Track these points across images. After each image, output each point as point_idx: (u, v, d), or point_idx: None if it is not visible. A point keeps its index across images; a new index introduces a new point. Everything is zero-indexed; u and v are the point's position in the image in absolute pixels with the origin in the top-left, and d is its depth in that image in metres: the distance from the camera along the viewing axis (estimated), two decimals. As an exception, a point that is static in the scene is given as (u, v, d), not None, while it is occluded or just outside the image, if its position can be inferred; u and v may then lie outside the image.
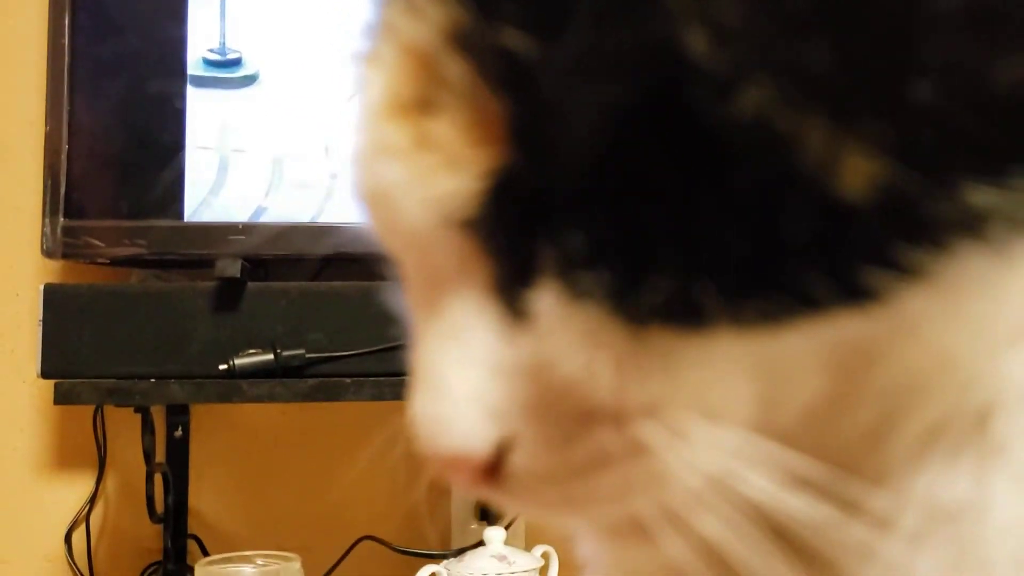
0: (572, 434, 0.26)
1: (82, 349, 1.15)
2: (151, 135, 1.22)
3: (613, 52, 0.24)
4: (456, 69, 0.25)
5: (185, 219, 1.21)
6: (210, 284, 1.17)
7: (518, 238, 0.26)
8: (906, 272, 0.23)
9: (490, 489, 0.28)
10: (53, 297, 1.15)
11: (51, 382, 1.16)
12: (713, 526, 0.24)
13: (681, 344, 0.25)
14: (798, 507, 0.24)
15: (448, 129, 0.26)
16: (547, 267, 0.26)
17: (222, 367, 1.12)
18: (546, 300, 0.26)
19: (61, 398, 1.06)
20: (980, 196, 0.22)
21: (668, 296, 0.24)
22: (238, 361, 1.13)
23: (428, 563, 1.17)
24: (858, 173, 0.22)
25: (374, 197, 0.28)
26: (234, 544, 1.28)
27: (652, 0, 0.23)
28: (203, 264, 1.20)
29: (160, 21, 1.24)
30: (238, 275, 1.15)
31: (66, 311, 1.15)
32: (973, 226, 0.23)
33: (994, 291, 0.24)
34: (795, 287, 0.23)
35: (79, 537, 1.26)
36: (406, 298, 0.30)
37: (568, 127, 0.24)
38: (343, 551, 1.26)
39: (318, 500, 1.30)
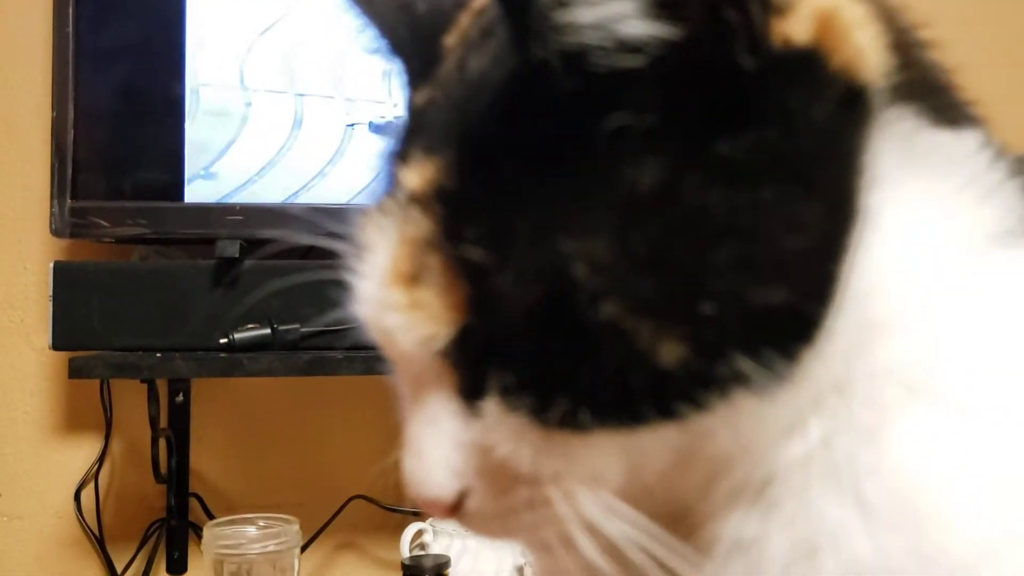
0: (506, 489, 0.41)
1: (90, 323, 1.22)
2: (153, 120, 1.29)
3: (533, 269, 0.38)
4: (436, 260, 0.39)
5: (185, 200, 1.29)
6: (210, 262, 1.24)
7: (473, 365, 0.41)
8: (703, 406, 0.37)
9: (454, 519, 0.43)
10: (62, 274, 1.23)
11: (62, 354, 1.25)
12: (589, 549, 0.40)
13: (574, 440, 0.39)
14: (636, 541, 0.39)
15: (430, 297, 0.40)
16: (492, 388, 0.40)
17: (222, 340, 1.20)
18: (491, 408, 0.40)
19: (74, 372, 1.14)
20: (744, 365, 0.37)
21: (564, 415, 0.38)
22: (237, 335, 1.21)
23: (415, 520, 1.27)
24: (671, 353, 0.36)
25: (382, 334, 0.42)
26: (233, 502, 1.38)
27: (557, 239, 0.37)
28: (202, 242, 1.28)
29: (160, 10, 1.30)
30: (237, 255, 1.23)
31: (75, 287, 1.23)
32: (742, 380, 0.37)
33: (763, 411, 0.38)
34: (638, 413, 0.38)
35: (88, 496, 1.35)
36: (399, 393, 0.45)
37: (504, 308, 0.38)
38: (336, 509, 1.35)
39: (312, 461, 1.39)
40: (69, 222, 1.25)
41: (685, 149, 0.36)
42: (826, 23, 0.37)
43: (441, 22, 0.46)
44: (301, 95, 1.32)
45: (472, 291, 0.39)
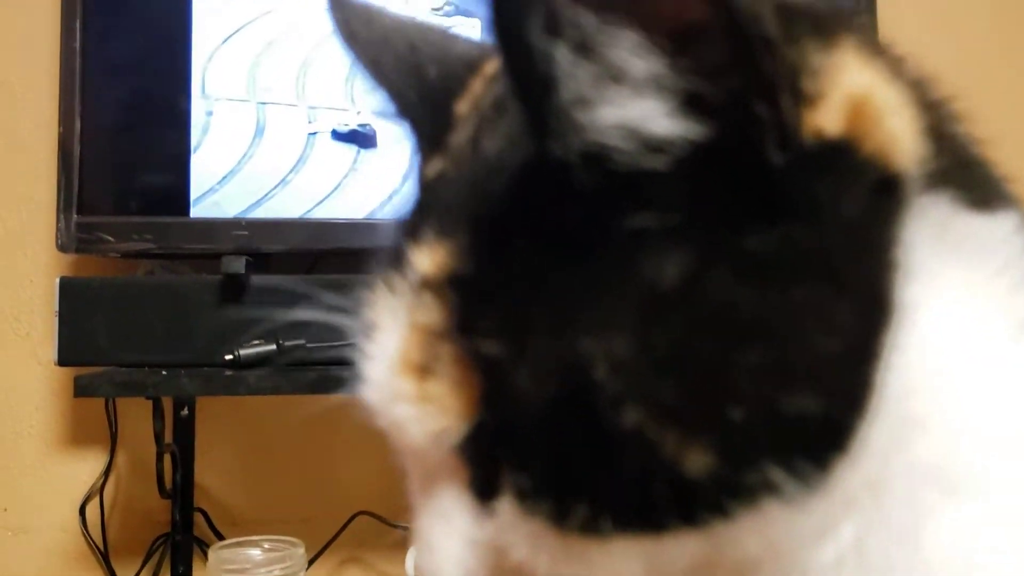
0: None
1: (96, 339, 1.22)
2: (158, 136, 1.29)
3: (550, 366, 0.35)
4: (448, 352, 0.37)
5: (191, 215, 1.28)
6: (216, 277, 1.24)
7: (487, 463, 0.38)
8: (730, 515, 0.35)
9: None
10: (69, 290, 1.22)
11: (68, 370, 1.24)
12: None
13: (593, 546, 0.36)
14: None
15: (442, 390, 0.38)
16: (507, 489, 0.38)
17: (228, 357, 1.20)
18: (505, 509, 0.38)
19: (80, 391, 1.13)
20: (774, 475, 0.34)
21: (583, 522, 0.36)
22: (242, 351, 1.20)
23: (420, 538, 1.26)
24: (697, 462, 0.34)
25: (392, 425, 0.40)
26: (238, 517, 1.37)
27: (576, 335, 0.35)
28: (208, 257, 1.27)
29: (167, 26, 1.29)
30: (242, 271, 1.22)
31: (81, 303, 1.22)
32: (771, 490, 0.34)
33: (793, 517, 0.36)
34: (661, 521, 0.35)
35: (93, 510, 1.35)
36: (410, 487, 0.42)
37: (520, 406, 0.36)
38: (341, 524, 1.34)
39: (317, 476, 1.39)
40: (75, 237, 1.25)
41: (710, 242, 0.35)
42: (858, 109, 0.35)
43: (453, 87, 0.44)
44: (263, 103, 1.32)
45: (486, 386, 0.36)
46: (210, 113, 1.30)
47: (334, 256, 1.31)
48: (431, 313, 0.38)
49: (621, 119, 0.34)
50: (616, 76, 0.33)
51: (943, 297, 0.37)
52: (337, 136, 1.31)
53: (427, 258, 0.39)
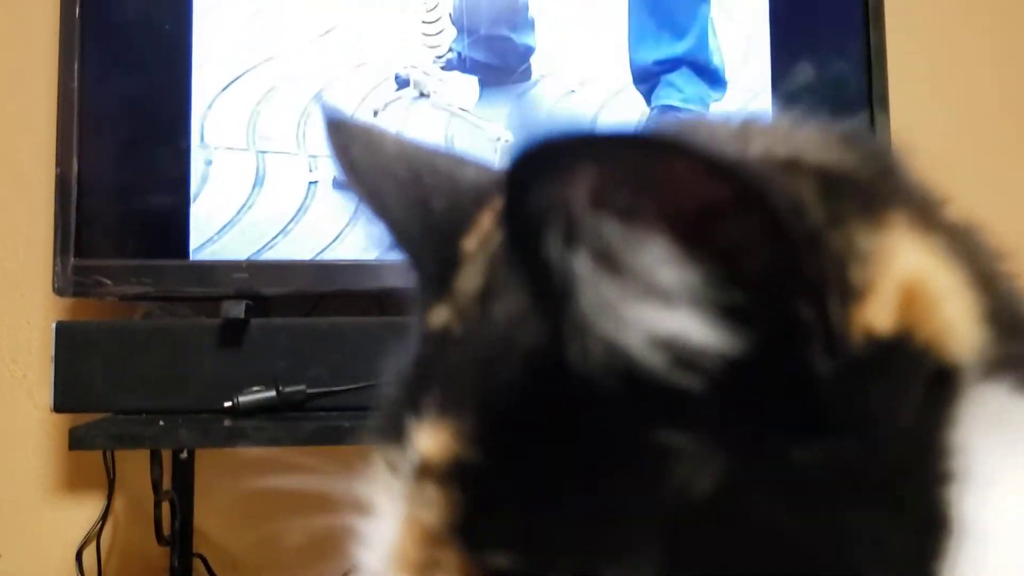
0: None
1: (93, 385, 1.21)
2: (157, 178, 1.27)
3: None
4: (451, 557, 0.33)
5: (191, 258, 1.27)
6: (215, 321, 1.22)
7: None
8: None
9: None
10: (65, 334, 1.21)
11: (65, 415, 1.23)
12: None
13: None
14: None
15: None
16: None
17: (227, 403, 1.18)
18: None
19: (75, 443, 1.12)
20: None
21: None
22: (242, 398, 1.19)
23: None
24: None
25: None
26: (238, 563, 1.35)
27: (596, 555, 0.31)
28: (208, 300, 1.26)
29: (166, 72, 1.28)
30: (242, 316, 1.21)
31: (77, 348, 1.21)
32: None
33: None
34: None
35: (89, 556, 1.33)
36: None
37: None
38: (343, 572, 1.32)
39: (318, 521, 1.37)
40: (72, 280, 1.23)
41: (749, 457, 0.31)
42: (912, 297, 0.32)
43: (459, 221, 0.40)
44: (263, 152, 1.31)
45: None
46: (209, 162, 1.29)
47: (335, 299, 1.30)
48: (433, 509, 0.34)
49: (648, 332, 0.31)
50: (642, 286, 0.30)
51: (1008, 505, 0.33)
52: (338, 185, 1.30)
53: (429, 437, 0.35)
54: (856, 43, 1.37)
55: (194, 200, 1.27)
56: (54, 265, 1.23)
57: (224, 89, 1.31)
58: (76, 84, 1.24)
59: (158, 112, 1.28)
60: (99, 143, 1.25)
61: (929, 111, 1.55)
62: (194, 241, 1.27)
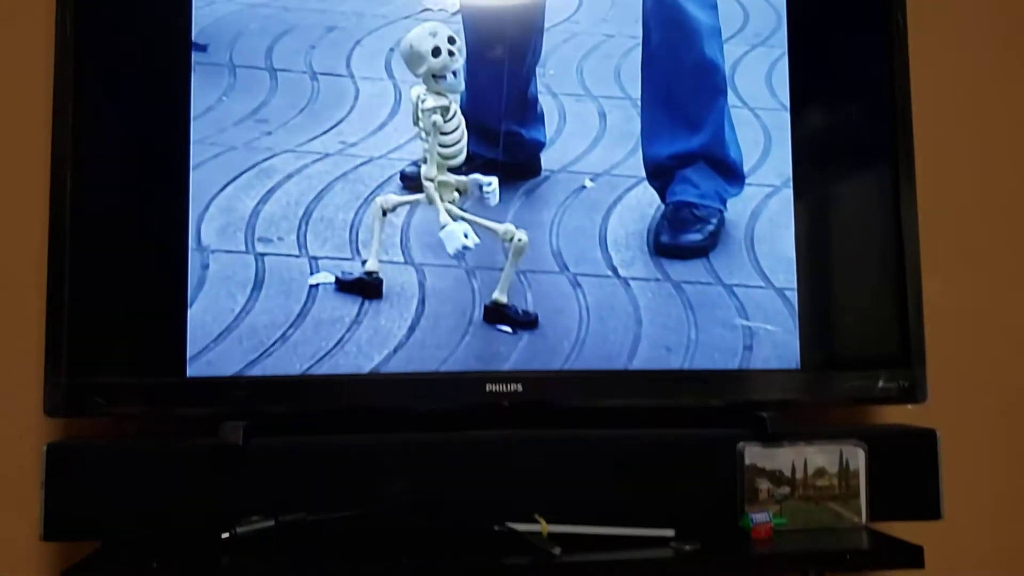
0: None
1: (84, 510, 1.15)
2: (152, 290, 1.22)
3: None
4: None
5: (187, 374, 1.21)
6: (211, 441, 1.17)
7: None
8: None
9: None
10: (56, 456, 1.15)
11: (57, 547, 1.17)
12: None
13: None
14: None
15: None
16: None
17: (224, 535, 1.12)
18: None
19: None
20: None
21: None
22: (239, 529, 1.13)
23: None
24: None
25: None
26: None
27: None
28: (206, 417, 1.20)
29: (161, 172, 1.23)
30: (240, 443, 1.15)
31: (69, 471, 1.15)
32: None
33: None
34: None
35: None
36: None
37: None
38: None
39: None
40: (64, 400, 1.18)
41: None
42: None
43: None
44: (262, 255, 1.25)
45: None
46: (206, 266, 1.23)
47: (337, 416, 1.24)
48: None
49: None
50: None
51: None
52: (341, 284, 1.24)
53: None
54: (883, 140, 1.32)
55: (190, 305, 1.22)
56: (45, 384, 1.17)
57: (222, 189, 1.25)
58: (68, 192, 1.19)
59: (153, 219, 1.23)
60: (91, 254, 1.20)
61: (956, 195, 1.49)
62: (190, 349, 1.21)
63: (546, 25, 1.32)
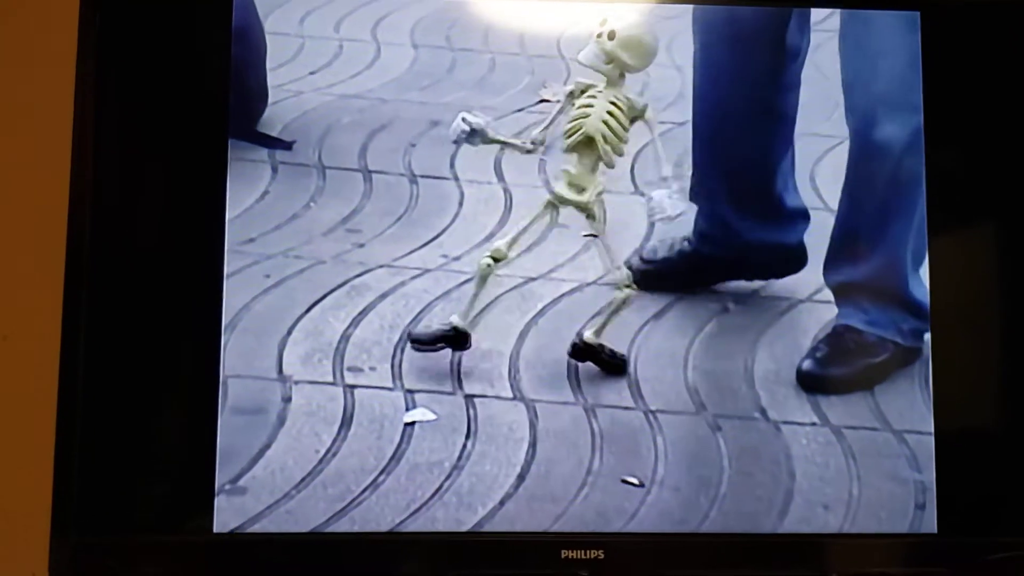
0: None
1: None
2: (175, 433, 1.06)
3: None
4: None
5: (215, 530, 1.05)
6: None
7: None
8: None
9: None
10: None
11: None
12: None
13: None
14: None
15: None
16: None
17: None
18: None
19: None
20: None
21: None
22: None
23: None
24: None
25: None
26: None
27: None
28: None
29: (188, 293, 1.08)
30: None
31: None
32: None
33: None
34: None
35: None
36: None
37: None
38: None
39: None
40: (72, 563, 1.03)
41: None
42: None
43: None
44: (352, 387, 1.09)
45: None
46: (288, 399, 1.07)
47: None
48: None
49: None
50: None
51: None
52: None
53: None
54: None
55: (271, 444, 1.06)
56: (50, 547, 1.03)
57: (308, 311, 1.10)
58: (82, 344, 1.04)
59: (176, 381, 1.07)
60: (101, 407, 1.05)
61: None
62: (267, 496, 1.05)
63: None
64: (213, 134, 1.09)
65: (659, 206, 1.12)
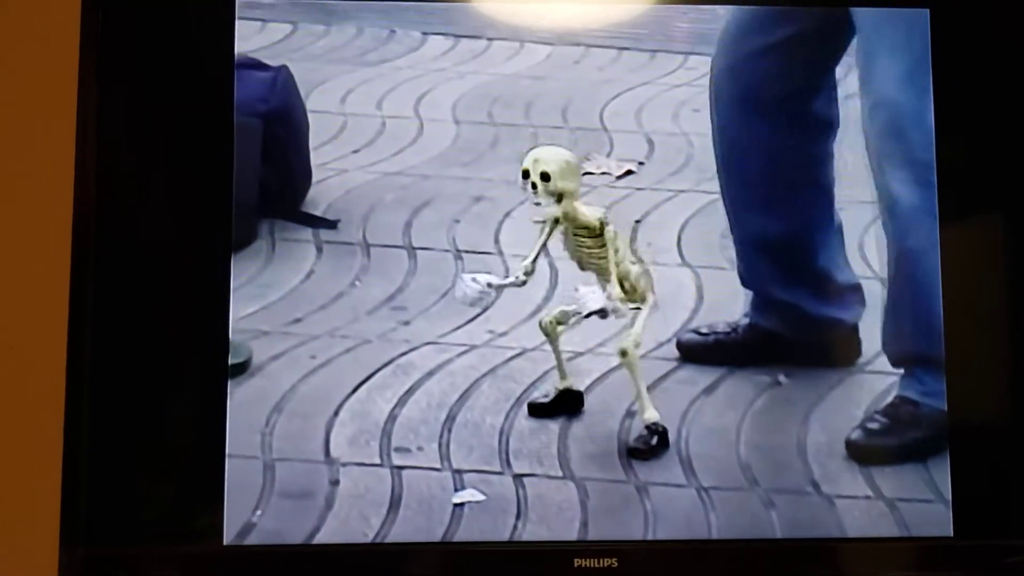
0: None
1: None
2: (186, 441, 1.06)
3: None
4: None
5: (226, 542, 1.04)
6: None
7: None
8: None
9: None
10: None
11: None
12: None
13: None
14: None
15: None
16: None
17: None
18: None
19: None
20: None
21: None
22: None
23: None
24: None
25: None
26: None
27: None
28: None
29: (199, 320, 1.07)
30: None
31: None
32: None
33: None
34: None
35: None
36: None
37: None
38: None
39: None
40: (81, 575, 1.02)
41: None
42: None
43: None
44: (399, 468, 1.08)
45: None
46: (335, 482, 1.06)
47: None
48: None
49: None
50: None
51: None
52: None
53: None
54: None
55: (320, 528, 1.05)
56: (60, 558, 1.02)
57: (354, 391, 1.09)
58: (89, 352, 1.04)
59: (186, 370, 1.06)
60: (111, 415, 1.04)
61: None
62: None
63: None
64: (217, 132, 1.08)
65: (581, 299, 1.11)
